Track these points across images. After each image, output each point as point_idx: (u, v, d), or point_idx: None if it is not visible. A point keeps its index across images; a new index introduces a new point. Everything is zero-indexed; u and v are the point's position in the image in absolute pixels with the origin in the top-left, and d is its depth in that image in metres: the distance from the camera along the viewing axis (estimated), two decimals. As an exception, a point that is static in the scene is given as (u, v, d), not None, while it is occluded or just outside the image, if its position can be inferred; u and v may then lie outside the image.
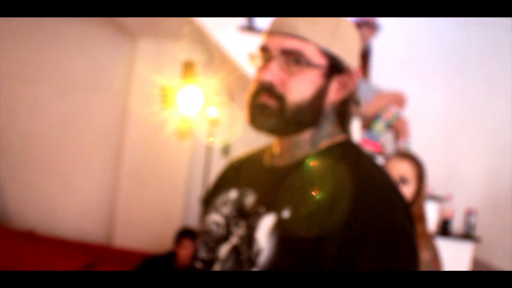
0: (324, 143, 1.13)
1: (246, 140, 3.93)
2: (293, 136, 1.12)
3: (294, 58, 1.08)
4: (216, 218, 1.16)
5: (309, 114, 1.10)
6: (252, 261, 1.05)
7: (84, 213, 4.61)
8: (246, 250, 1.07)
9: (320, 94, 1.10)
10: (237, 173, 1.23)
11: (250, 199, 1.13)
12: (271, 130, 1.11)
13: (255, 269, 1.04)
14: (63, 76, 4.76)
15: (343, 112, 1.14)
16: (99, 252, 4.23)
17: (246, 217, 1.10)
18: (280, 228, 1.03)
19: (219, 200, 1.19)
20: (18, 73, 4.79)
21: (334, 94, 1.12)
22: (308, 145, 1.13)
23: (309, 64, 1.08)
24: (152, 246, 4.15)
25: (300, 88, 1.08)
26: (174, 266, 3.73)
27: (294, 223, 1.03)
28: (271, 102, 1.09)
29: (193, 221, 4.20)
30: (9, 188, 4.73)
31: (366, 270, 0.98)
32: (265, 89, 1.09)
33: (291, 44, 1.08)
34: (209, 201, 1.24)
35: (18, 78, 4.79)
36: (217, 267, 1.11)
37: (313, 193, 1.04)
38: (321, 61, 1.09)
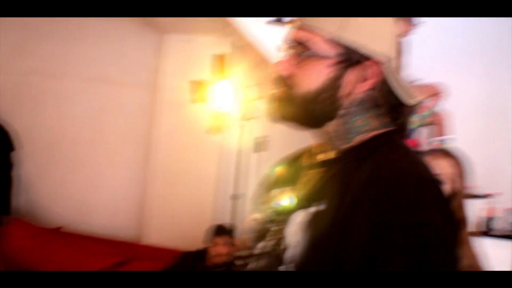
0: (359, 137, 1.13)
1: (282, 135, 3.95)
2: (319, 131, 1.14)
3: (301, 49, 1.10)
4: (256, 216, 1.20)
5: (320, 106, 1.10)
6: (280, 258, 1.08)
7: (114, 210, 4.69)
8: (276, 247, 1.10)
9: (331, 86, 1.10)
10: (280, 172, 1.27)
11: (287, 197, 1.16)
12: (284, 121, 1.13)
13: (283, 265, 1.06)
14: (90, 70, 4.83)
15: (379, 104, 1.13)
16: (130, 249, 4.29)
17: (282, 214, 1.14)
18: (306, 224, 1.06)
19: (261, 199, 1.24)
20: (45, 68, 4.88)
21: (353, 85, 1.11)
22: (339, 140, 1.13)
23: (315, 54, 1.09)
24: (183, 243, 4.18)
25: (305, 79, 1.10)
26: (206, 264, 3.76)
27: (320, 219, 1.04)
28: (280, 93, 1.11)
29: (225, 218, 4.21)
30: (38, 184, 4.83)
31: (391, 268, 0.96)
32: (277, 80, 1.12)
33: (298, 35, 1.11)
34: (255, 201, 1.29)
35: (45, 73, 4.88)
36: (252, 265, 1.14)
37: (340, 189, 1.05)
38: (329, 51, 1.09)
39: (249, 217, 1.22)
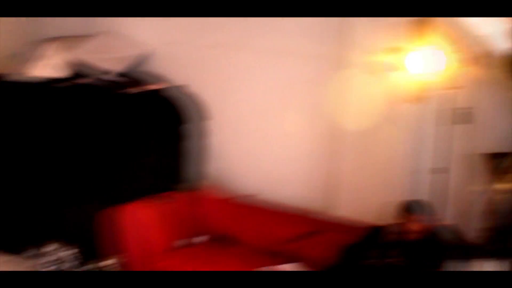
0: None
1: (488, 106, 3.73)
2: None
3: None
4: (498, 187, 1.15)
5: None
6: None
7: (302, 181, 4.75)
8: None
9: None
10: None
11: None
12: None
13: None
14: (275, 43, 4.90)
15: None
16: (318, 221, 4.34)
17: None
18: None
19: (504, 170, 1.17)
20: (231, 41, 5.04)
21: None
22: None
23: None
24: (371, 217, 4.11)
25: None
26: (401, 239, 3.68)
27: None
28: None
29: (420, 193, 4.08)
30: (228, 153, 5.07)
31: None
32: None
33: None
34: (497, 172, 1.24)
35: (231, 46, 5.04)
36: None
37: None
38: None
39: (493, 188, 1.16)
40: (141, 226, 4.27)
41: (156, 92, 5.08)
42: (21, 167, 4.95)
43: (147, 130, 4.84)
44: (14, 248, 5.04)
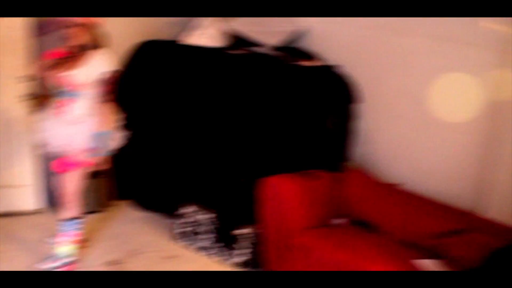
0: None
1: None
2: None
3: None
4: None
5: None
6: None
7: (452, 175, 4.57)
8: None
9: None
10: None
11: None
12: None
13: None
14: (436, 28, 4.70)
15: None
16: (465, 219, 4.16)
17: None
18: None
19: None
20: (390, 23, 4.89)
21: None
22: None
23: None
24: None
25: None
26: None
27: None
28: None
29: None
30: (377, 138, 5.01)
31: None
32: None
33: None
34: None
35: (390, 28, 4.91)
36: None
37: None
38: None
39: None
40: (281, 200, 4.33)
41: (328, 68, 5.10)
42: (180, 130, 5.09)
43: (318, 104, 4.85)
44: (153, 206, 5.34)
